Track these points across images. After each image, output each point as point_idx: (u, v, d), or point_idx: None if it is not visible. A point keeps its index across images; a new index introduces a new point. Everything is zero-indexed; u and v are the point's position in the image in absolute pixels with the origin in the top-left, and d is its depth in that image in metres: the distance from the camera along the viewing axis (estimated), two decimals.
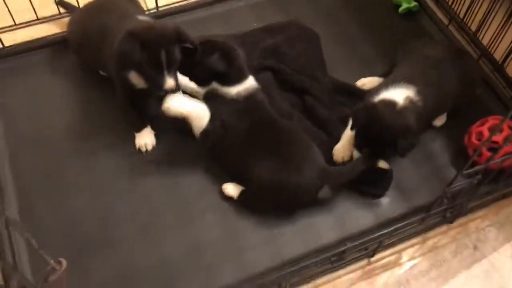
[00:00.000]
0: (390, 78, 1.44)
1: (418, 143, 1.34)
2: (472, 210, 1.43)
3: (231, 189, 1.38)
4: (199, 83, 1.41)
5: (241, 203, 1.37)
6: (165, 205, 1.37)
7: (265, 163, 1.31)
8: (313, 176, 1.31)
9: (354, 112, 1.37)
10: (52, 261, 0.65)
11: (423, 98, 1.34)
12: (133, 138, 1.46)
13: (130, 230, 1.32)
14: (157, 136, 1.48)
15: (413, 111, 1.32)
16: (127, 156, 1.46)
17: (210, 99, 1.38)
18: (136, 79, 1.36)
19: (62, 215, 1.34)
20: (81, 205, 1.36)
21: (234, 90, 1.37)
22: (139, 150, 1.46)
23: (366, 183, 1.38)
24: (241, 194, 1.37)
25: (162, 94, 1.36)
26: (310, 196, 1.34)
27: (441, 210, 1.32)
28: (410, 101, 1.33)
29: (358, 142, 1.35)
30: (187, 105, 1.37)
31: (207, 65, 1.35)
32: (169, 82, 1.31)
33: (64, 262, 0.67)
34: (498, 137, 1.37)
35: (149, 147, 1.46)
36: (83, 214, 1.34)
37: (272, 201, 1.36)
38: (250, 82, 1.39)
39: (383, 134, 1.29)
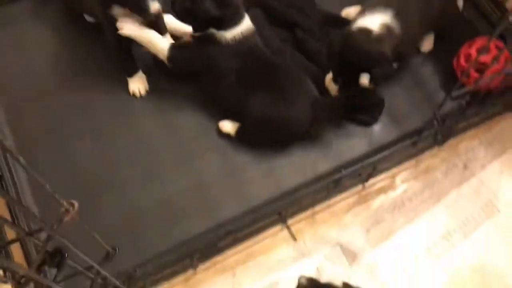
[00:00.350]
0: (368, 4, 1.40)
1: (393, 71, 1.34)
2: (461, 131, 1.48)
3: (228, 126, 1.40)
4: (195, 29, 1.39)
5: (238, 139, 1.41)
6: (164, 146, 1.40)
7: (259, 98, 1.33)
8: (306, 107, 1.33)
9: (329, 42, 1.37)
10: (65, 203, 0.68)
11: (401, 22, 1.31)
12: (127, 83, 1.47)
13: (133, 172, 1.36)
14: (150, 79, 1.48)
15: (389, 38, 1.30)
16: (123, 102, 1.47)
17: (204, 42, 1.37)
18: (120, 14, 1.35)
19: (66, 165, 1.37)
20: (83, 153, 1.39)
21: (231, 34, 1.34)
22: (133, 95, 1.47)
23: (358, 112, 1.41)
24: (238, 130, 1.40)
25: (149, 18, 1.35)
26: (304, 128, 1.37)
27: (432, 133, 1.36)
28: (386, 28, 1.30)
29: (334, 72, 1.36)
30: (140, 29, 1.36)
31: (200, 11, 1.31)
32: (154, 6, 1.31)
33: (76, 203, 0.71)
34: (486, 58, 1.39)
35: (142, 91, 1.47)
36: (85, 161, 1.37)
37: (268, 135, 1.39)
38: (246, 24, 1.36)
39: (357, 62, 1.28)
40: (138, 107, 1.46)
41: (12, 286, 0.90)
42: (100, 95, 1.47)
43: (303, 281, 1.14)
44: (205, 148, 1.41)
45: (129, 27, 1.35)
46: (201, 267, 1.30)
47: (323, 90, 1.42)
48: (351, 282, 1.25)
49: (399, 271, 1.30)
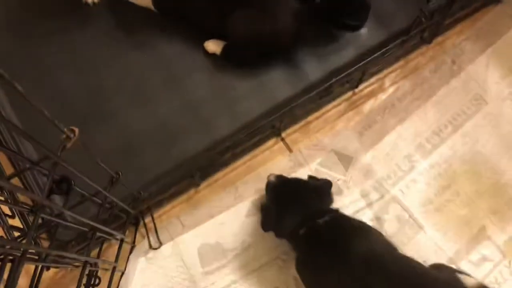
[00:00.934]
0: None
1: None
2: (447, 28, 1.47)
3: (213, 45, 1.38)
4: None
5: (225, 58, 1.39)
6: (149, 71, 1.38)
7: (240, 17, 1.30)
8: (288, 17, 1.30)
9: None
10: (65, 129, 0.68)
11: None
12: (105, 12, 1.41)
13: (123, 100, 1.35)
14: (131, 8, 1.43)
15: None
16: (102, 28, 1.42)
17: None
18: None
19: (54, 97, 1.35)
20: (69, 84, 1.36)
21: None
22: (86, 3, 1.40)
23: (343, 16, 1.39)
24: (224, 49, 1.38)
25: None
26: (289, 38, 1.35)
27: (419, 31, 1.35)
28: None
29: None
30: None
31: None
32: None
33: (76, 129, 0.71)
34: None
35: None
36: (73, 92, 1.36)
37: (254, 51, 1.37)
38: None
39: None
40: (119, 35, 1.42)
41: (21, 218, 0.92)
42: (77, 23, 1.42)
43: (272, 178, 1.22)
44: (192, 69, 1.39)
45: None
46: (203, 185, 1.33)
47: None
48: (348, 184, 1.31)
49: (394, 168, 1.35)
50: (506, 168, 1.35)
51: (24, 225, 0.92)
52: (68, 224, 0.83)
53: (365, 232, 1.12)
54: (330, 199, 1.20)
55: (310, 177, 1.27)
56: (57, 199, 1.15)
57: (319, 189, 1.20)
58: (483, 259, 1.27)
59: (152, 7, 1.39)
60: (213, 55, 1.39)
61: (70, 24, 1.42)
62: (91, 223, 0.86)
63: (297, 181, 1.23)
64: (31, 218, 0.87)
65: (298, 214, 1.14)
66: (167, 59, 1.40)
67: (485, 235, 1.29)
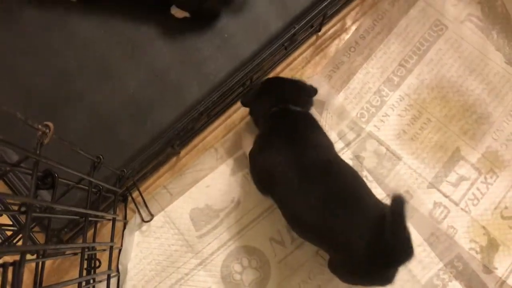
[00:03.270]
0: None
1: None
2: None
3: (180, 11, 1.34)
4: None
5: (190, 21, 1.35)
6: (110, 46, 1.34)
7: None
8: None
9: None
10: (40, 126, 0.68)
11: None
12: None
13: (86, 78, 1.32)
14: None
15: None
16: (51, 9, 1.36)
17: None
18: None
19: (17, 85, 1.30)
20: (28, 70, 1.31)
21: None
22: None
23: None
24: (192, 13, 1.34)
25: None
26: None
27: None
28: None
29: None
30: None
31: None
32: None
33: (51, 124, 0.70)
34: None
35: None
36: (34, 77, 1.30)
37: (207, 6, 1.35)
38: None
39: None
40: (71, 16, 1.37)
41: (11, 218, 0.93)
42: (27, 4, 1.36)
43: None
44: (152, 37, 1.36)
45: None
46: (183, 151, 1.34)
47: None
48: (325, 128, 1.34)
49: (366, 105, 1.38)
50: (471, 88, 1.40)
51: (15, 223, 0.92)
52: (59, 216, 0.84)
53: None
54: (310, 102, 1.25)
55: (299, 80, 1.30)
56: (44, 193, 1.14)
57: (303, 89, 1.24)
58: (460, 179, 1.34)
59: None
60: (169, 20, 1.36)
61: (15, 7, 1.36)
62: (81, 210, 0.87)
63: (288, 79, 1.28)
64: (21, 217, 0.88)
65: (276, 98, 1.20)
66: (125, 32, 1.36)
67: (459, 156, 1.35)
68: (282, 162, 1.06)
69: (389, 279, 1.00)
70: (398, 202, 0.91)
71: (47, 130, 0.69)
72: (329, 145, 1.16)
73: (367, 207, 1.01)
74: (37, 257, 0.77)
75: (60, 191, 0.91)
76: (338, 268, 1.07)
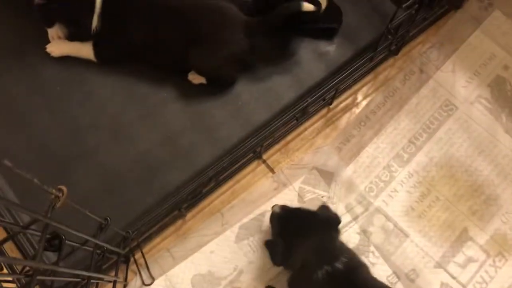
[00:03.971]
0: None
1: None
2: (412, 37, 1.51)
3: (198, 77, 1.38)
4: None
5: (212, 84, 1.39)
6: (125, 106, 1.38)
7: (195, 52, 1.31)
8: (240, 35, 1.31)
9: None
10: (54, 190, 0.69)
11: None
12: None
13: (99, 138, 1.34)
14: None
15: None
16: (71, 66, 1.41)
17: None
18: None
19: (30, 141, 1.33)
20: (43, 126, 1.34)
21: None
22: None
23: (316, 21, 1.41)
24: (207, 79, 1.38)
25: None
26: (247, 52, 1.35)
27: (386, 46, 1.39)
28: None
29: None
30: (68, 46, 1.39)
31: None
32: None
33: (64, 188, 0.71)
34: None
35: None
36: (48, 134, 1.33)
37: (223, 75, 1.39)
38: None
39: None
40: (89, 73, 1.41)
41: (16, 282, 0.91)
42: (43, 59, 1.41)
43: (276, 209, 1.21)
44: (166, 101, 1.39)
45: (59, 48, 1.40)
46: (189, 215, 1.34)
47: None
48: (332, 200, 1.34)
49: (375, 180, 1.38)
50: (480, 169, 1.40)
51: (18, 284, 0.91)
52: (62, 279, 0.83)
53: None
54: (338, 233, 1.20)
55: (322, 206, 1.25)
56: (50, 254, 1.13)
57: (329, 221, 1.19)
58: (468, 260, 1.31)
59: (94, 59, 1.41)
60: (186, 85, 1.40)
61: (36, 62, 1.41)
62: (85, 273, 0.86)
63: (304, 212, 1.21)
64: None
65: (309, 246, 1.13)
66: (141, 93, 1.40)
67: (467, 236, 1.34)
68: None
69: None
70: None
71: (60, 194, 0.70)
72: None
73: None
74: None
75: (65, 252, 0.90)
76: None
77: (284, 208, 1.22)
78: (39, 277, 0.70)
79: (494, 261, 1.32)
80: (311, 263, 1.12)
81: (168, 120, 1.38)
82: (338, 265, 1.10)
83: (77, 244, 0.89)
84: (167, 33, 1.32)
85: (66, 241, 0.85)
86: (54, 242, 0.79)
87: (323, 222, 1.19)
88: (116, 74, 1.42)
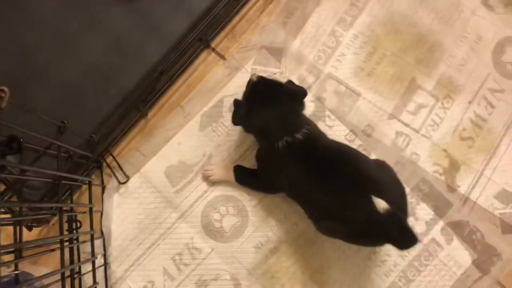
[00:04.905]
0: None
1: None
2: None
3: None
4: None
5: None
6: (66, 17, 1.35)
7: None
8: None
9: None
10: None
11: None
12: None
13: (47, 53, 1.33)
14: None
15: None
16: None
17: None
18: None
19: None
20: None
21: None
22: None
23: None
24: None
25: None
26: None
27: None
28: None
29: None
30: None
31: None
32: None
33: (5, 88, 0.74)
34: None
35: None
36: None
37: None
38: None
39: None
40: None
41: None
42: None
43: (253, 77, 1.25)
44: (108, 4, 1.37)
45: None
46: (151, 114, 1.38)
47: None
48: (284, 74, 1.38)
49: (322, 48, 1.42)
50: (422, 19, 1.44)
51: None
52: (31, 178, 0.88)
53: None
54: (302, 107, 1.26)
55: (289, 81, 1.30)
56: (12, 159, 1.18)
57: (294, 94, 1.24)
58: (419, 107, 1.39)
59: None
60: None
61: None
62: (53, 172, 0.91)
63: (275, 83, 1.25)
64: None
65: (268, 114, 1.20)
66: (80, 3, 1.37)
67: (416, 85, 1.41)
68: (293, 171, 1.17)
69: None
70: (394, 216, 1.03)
71: (3, 94, 0.72)
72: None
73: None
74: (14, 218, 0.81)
75: (30, 158, 0.94)
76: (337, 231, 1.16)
77: (260, 78, 1.26)
78: (3, 175, 0.75)
79: (442, 104, 1.40)
80: (272, 132, 1.19)
81: (113, 24, 1.37)
82: (298, 136, 1.17)
83: (41, 148, 0.93)
84: None
85: (28, 145, 0.89)
86: (13, 145, 0.83)
87: (288, 93, 1.23)
88: None
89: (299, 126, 1.18)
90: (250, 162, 1.34)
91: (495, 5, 1.47)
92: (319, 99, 1.39)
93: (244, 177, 1.32)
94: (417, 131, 1.38)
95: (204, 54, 1.42)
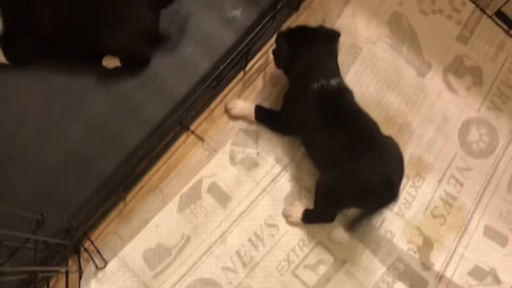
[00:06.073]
0: None
1: None
2: None
3: (112, 60, 1.40)
4: None
5: (129, 66, 1.43)
6: (46, 102, 1.39)
7: (106, 33, 1.34)
8: (146, 9, 1.36)
9: None
10: None
11: None
12: None
13: (27, 137, 1.36)
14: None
15: None
16: None
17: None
18: None
19: None
20: None
21: None
22: None
23: None
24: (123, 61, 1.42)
25: None
26: (154, 26, 1.42)
27: (285, 2, 1.46)
28: None
29: None
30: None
31: None
32: None
33: None
34: None
35: None
36: None
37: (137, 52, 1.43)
38: None
39: None
40: (6, 77, 1.41)
41: None
42: None
43: (283, 29, 1.41)
44: (86, 91, 1.42)
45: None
46: (129, 196, 1.40)
47: None
48: (262, 155, 1.42)
49: None
50: (390, 101, 1.52)
51: None
52: (7, 279, 0.88)
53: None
54: (337, 47, 1.38)
55: (321, 26, 1.41)
56: None
57: (329, 35, 1.36)
58: None
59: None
60: (103, 72, 1.42)
61: None
62: (27, 269, 0.91)
63: (311, 27, 1.38)
64: None
65: (310, 55, 1.32)
66: (60, 87, 1.42)
67: None
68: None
69: (372, 206, 1.27)
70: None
71: None
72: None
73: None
74: None
75: (6, 254, 0.94)
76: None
77: (289, 28, 1.40)
78: None
79: (413, 182, 1.46)
80: (310, 73, 1.31)
81: (92, 109, 1.41)
82: (333, 82, 1.30)
83: (18, 244, 0.94)
84: (77, 14, 1.33)
85: (6, 242, 0.90)
86: None
87: (325, 34, 1.36)
88: (32, 73, 1.42)
89: (335, 73, 1.33)
90: (230, 244, 1.35)
91: (458, 88, 1.57)
92: (297, 180, 1.42)
93: (264, 115, 1.44)
94: (390, 210, 1.42)
95: (183, 137, 1.46)
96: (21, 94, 1.40)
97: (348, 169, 1.24)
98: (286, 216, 1.38)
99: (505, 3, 1.62)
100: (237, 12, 1.52)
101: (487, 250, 1.42)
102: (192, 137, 1.47)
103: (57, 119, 1.39)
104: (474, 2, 1.66)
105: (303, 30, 1.38)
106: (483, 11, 1.66)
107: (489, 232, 1.44)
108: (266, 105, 1.49)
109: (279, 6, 1.45)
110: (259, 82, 1.52)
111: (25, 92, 1.40)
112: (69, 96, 1.41)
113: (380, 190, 1.22)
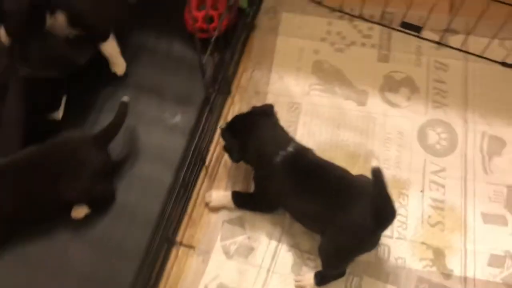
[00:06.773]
0: None
1: None
2: (234, 73, 1.69)
3: (81, 210, 1.41)
4: None
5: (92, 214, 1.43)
6: (28, 273, 1.37)
7: (63, 186, 1.36)
8: (93, 152, 1.40)
9: None
10: None
11: None
12: None
13: None
14: None
15: None
16: None
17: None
18: None
19: None
20: None
21: None
22: None
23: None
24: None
25: None
26: (105, 164, 1.44)
27: (215, 93, 1.54)
28: None
29: None
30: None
31: None
32: None
33: None
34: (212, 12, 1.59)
35: None
36: None
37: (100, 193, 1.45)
38: None
39: None
40: None
41: None
42: None
43: (222, 125, 1.46)
44: (64, 248, 1.40)
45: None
46: None
47: None
48: (253, 237, 1.43)
49: None
50: (345, 138, 1.59)
51: None
52: None
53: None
54: (276, 118, 1.42)
55: (253, 107, 1.46)
56: None
57: (264, 111, 1.41)
58: None
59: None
60: (75, 223, 1.43)
61: None
62: None
63: (244, 114, 1.44)
64: None
65: (258, 137, 1.36)
66: (38, 255, 1.41)
67: None
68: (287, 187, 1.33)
69: (377, 242, 1.30)
70: (378, 173, 1.14)
71: None
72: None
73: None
74: None
75: None
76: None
77: (227, 122, 1.45)
78: None
79: (400, 202, 1.49)
80: (266, 152, 1.35)
81: (76, 263, 1.39)
82: (290, 148, 1.34)
83: None
84: (34, 187, 1.36)
85: None
86: None
87: (260, 112, 1.41)
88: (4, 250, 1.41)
89: (288, 140, 1.37)
90: None
91: (399, 102, 1.65)
92: (294, 247, 1.43)
93: (242, 200, 1.48)
94: (390, 237, 1.44)
95: (173, 252, 1.46)
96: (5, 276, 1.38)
97: (343, 223, 1.25)
98: (300, 287, 1.37)
99: (405, 15, 1.76)
100: (177, 118, 1.58)
101: (493, 236, 1.44)
102: (182, 248, 1.47)
103: (44, 285, 1.37)
104: (378, 23, 1.79)
105: (240, 119, 1.43)
106: (389, 27, 1.78)
107: (487, 218, 1.47)
108: (239, 187, 1.52)
109: (211, 98, 1.52)
110: (223, 170, 1.56)
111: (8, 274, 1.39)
112: (50, 260, 1.40)
113: (379, 225, 1.24)
